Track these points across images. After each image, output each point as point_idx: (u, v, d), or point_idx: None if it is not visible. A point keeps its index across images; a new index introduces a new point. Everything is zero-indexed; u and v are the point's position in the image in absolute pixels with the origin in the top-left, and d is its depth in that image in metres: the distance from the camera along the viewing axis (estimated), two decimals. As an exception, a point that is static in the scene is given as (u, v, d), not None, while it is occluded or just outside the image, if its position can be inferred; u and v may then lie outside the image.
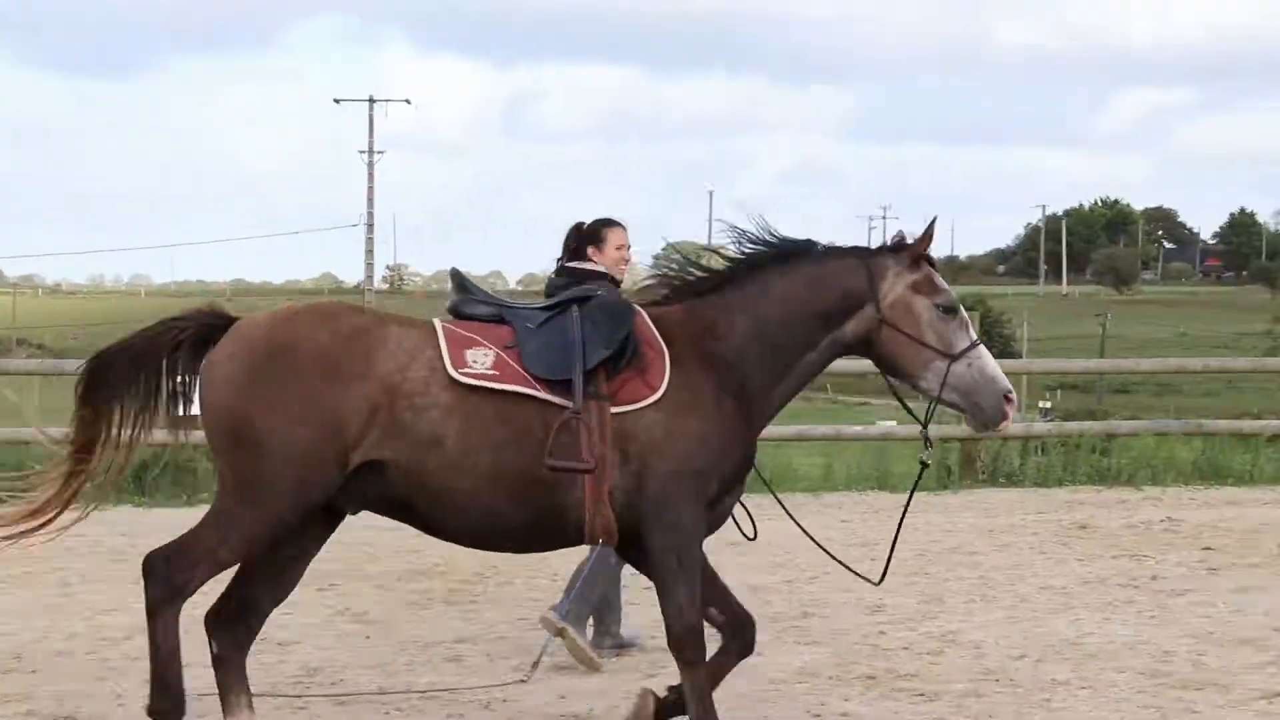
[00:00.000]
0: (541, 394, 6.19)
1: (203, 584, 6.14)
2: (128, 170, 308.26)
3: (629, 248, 8.57)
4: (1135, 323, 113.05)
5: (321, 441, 6.06)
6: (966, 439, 15.97)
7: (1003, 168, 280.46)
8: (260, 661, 8.17)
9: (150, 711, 6.17)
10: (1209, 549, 11.42)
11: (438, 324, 6.36)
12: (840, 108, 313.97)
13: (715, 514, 6.45)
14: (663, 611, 6.24)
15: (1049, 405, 57.93)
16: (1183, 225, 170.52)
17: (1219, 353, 74.47)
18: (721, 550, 11.64)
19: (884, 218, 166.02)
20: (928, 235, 6.46)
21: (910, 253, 6.44)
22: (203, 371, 6.25)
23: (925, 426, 6.63)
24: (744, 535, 6.74)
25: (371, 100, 73.01)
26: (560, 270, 8.48)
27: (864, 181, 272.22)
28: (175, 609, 6.12)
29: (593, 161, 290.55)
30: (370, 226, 71.34)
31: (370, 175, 72.22)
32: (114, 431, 6.30)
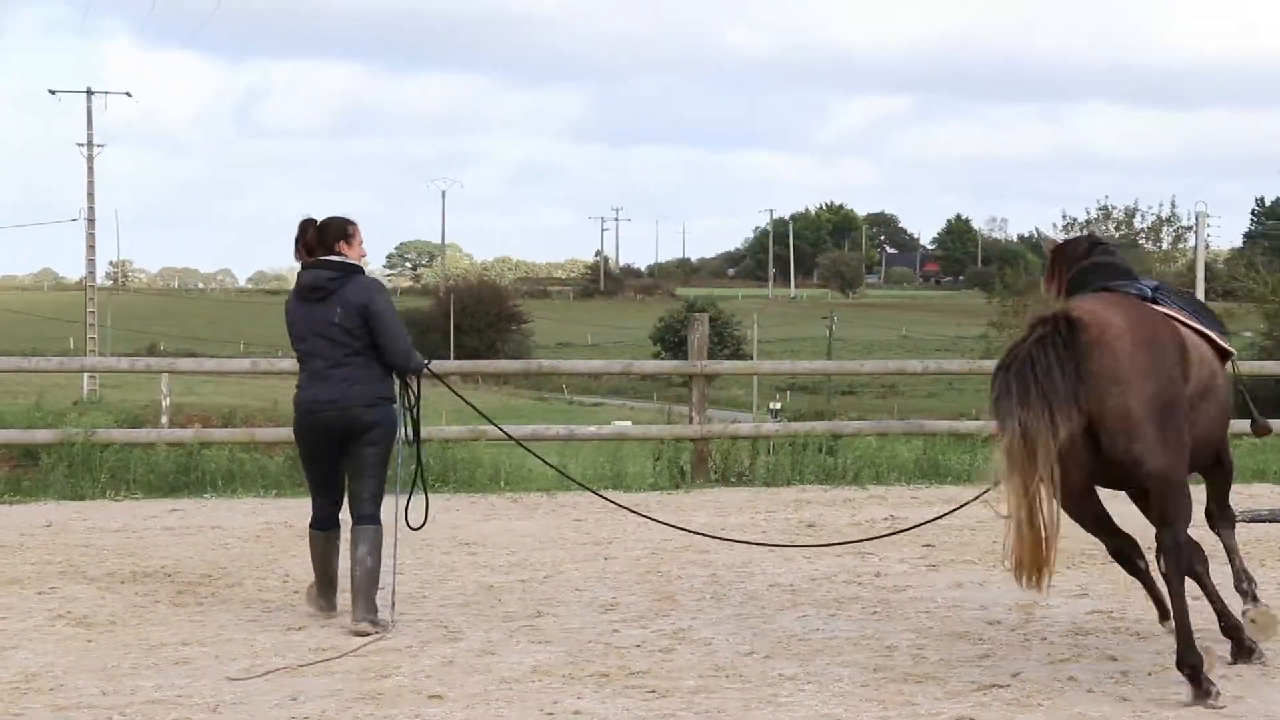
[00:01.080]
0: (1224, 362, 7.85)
1: None
2: None
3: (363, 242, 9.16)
4: (861, 325, 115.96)
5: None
6: (698, 439, 16.17)
7: (731, 172, 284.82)
8: (-26, 668, 7.89)
9: (1184, 665, 7.09)
10: (929, 546, 11.72)
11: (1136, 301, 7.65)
12: (568, 109, 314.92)
13: None
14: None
15: (779, 406, 58.98)
16: (903, 230, 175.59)
17: (938, 355, 76.80)
18: (454, 550, 11.69)
19: (616, 220, 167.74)
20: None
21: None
22: (1114, 364, 7.10)
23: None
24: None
25: (90, 92, 70.92)
26: (319, 264, 8.85)
27: (593, 183, 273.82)
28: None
29: (322, 159, 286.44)
30: (91, 221, 69.26)
31: (90, 169, 70.13)
32: (1057, 431, 6.99)
